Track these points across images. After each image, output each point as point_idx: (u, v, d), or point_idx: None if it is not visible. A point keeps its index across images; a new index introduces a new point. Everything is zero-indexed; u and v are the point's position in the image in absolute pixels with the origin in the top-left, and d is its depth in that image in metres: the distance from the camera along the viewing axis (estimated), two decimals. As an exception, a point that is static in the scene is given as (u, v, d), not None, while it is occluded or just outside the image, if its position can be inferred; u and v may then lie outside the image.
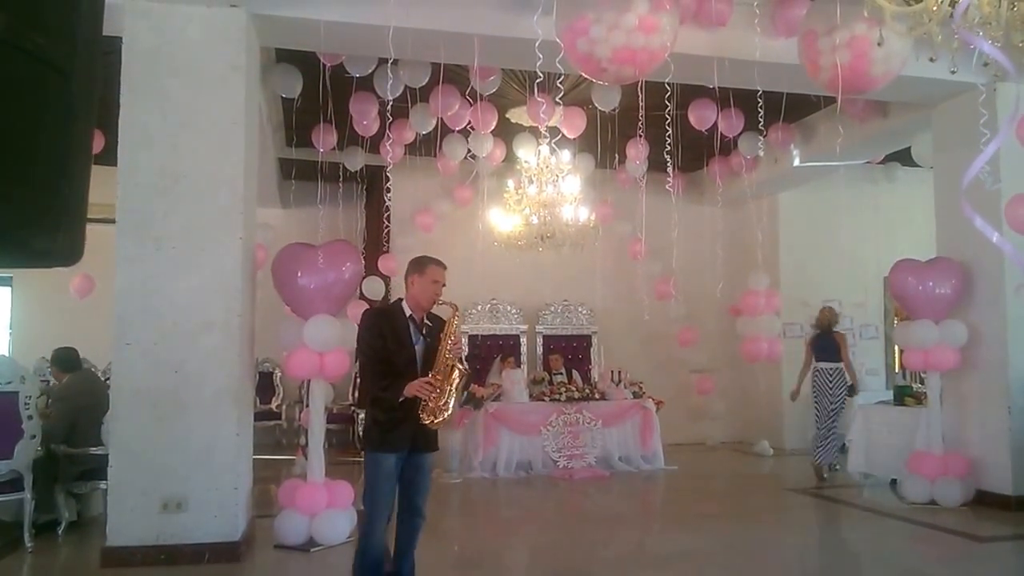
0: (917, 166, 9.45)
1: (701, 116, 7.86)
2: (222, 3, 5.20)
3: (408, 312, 4.01)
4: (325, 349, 5.42)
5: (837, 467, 8.33)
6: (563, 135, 7.91)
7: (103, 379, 6.76)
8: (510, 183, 8.90)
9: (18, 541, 5.29)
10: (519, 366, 9.81)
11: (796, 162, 9.39)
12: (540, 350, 10.60)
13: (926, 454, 6.85)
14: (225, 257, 5.16)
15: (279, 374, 10.40)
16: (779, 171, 9.78)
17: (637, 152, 8.71)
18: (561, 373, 9.74)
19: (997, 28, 3.28)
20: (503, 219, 8.89)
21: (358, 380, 8.81)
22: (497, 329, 10.49)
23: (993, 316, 6.69)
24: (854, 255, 10.21)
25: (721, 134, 8.12)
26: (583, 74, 5.00)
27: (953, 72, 3.61)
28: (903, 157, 9.71)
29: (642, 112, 6.35)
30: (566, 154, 8.62)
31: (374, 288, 9.10)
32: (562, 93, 5.21)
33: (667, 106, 6.11)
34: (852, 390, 8.40)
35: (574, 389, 9.12)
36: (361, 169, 9.26)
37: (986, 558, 5.44)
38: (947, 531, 5.93)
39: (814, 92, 6.60)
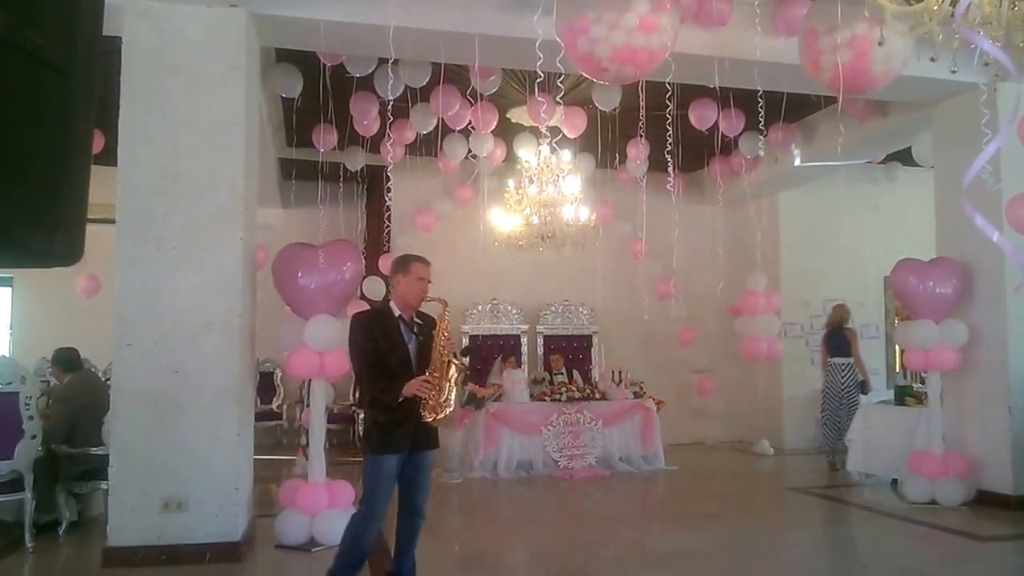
0: (918, 166, 9.44)
1: (701, 116, 7.86)
2: (222, 3, 5.20)
3: (397, 312, 4.00)
4: (326, 349, 5.42)
5: (839, 468, 8.35)
6: (563, 135, 7.92)
7: (104, 379, 6.76)
8: (510, 183, 8.90)
9: (19, 541, 5.29)
10: (520, 366, 9.80)
11: (796, 162, 9.38)
12: (541, 350, 10.60)
13: (926, 454, 6.85)
14: (225, 257, 5.15)
15: (280, 374, 10.40)
16: (779, 171, 9.77)
17: (637, 152, 8.71)
18: (562, 373, 9.74)
19: (998, 28, 3.28)
20: (504, 219, 8.89)
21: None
22: (498, 329, 10.49)
23: (994, 316, 6.69)
24: (854, 255, 10.21)
25: (721, 134, 8.12)
26: (583, 74, 4.99)
27: (954, 72, 3.61)
28: (903, 157, 9.71)
29: (642, 112, 6.35)
30: (566, 154, 8.62)
31: (375, 288, 9.09)
32: (562, 93, 5.21)
33: (667, 106, 6.12)
34: (864, 386, 8.56)
35: (575, 389, 9.12)
36: (361, 169, 9.25)
37: (986, 558, 5.44)
38: (947, 531, 5.93)
39: (815, 92, 6.60)
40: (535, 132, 8.50)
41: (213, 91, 5.20)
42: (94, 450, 5.66)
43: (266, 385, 10.27)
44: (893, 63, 4.73)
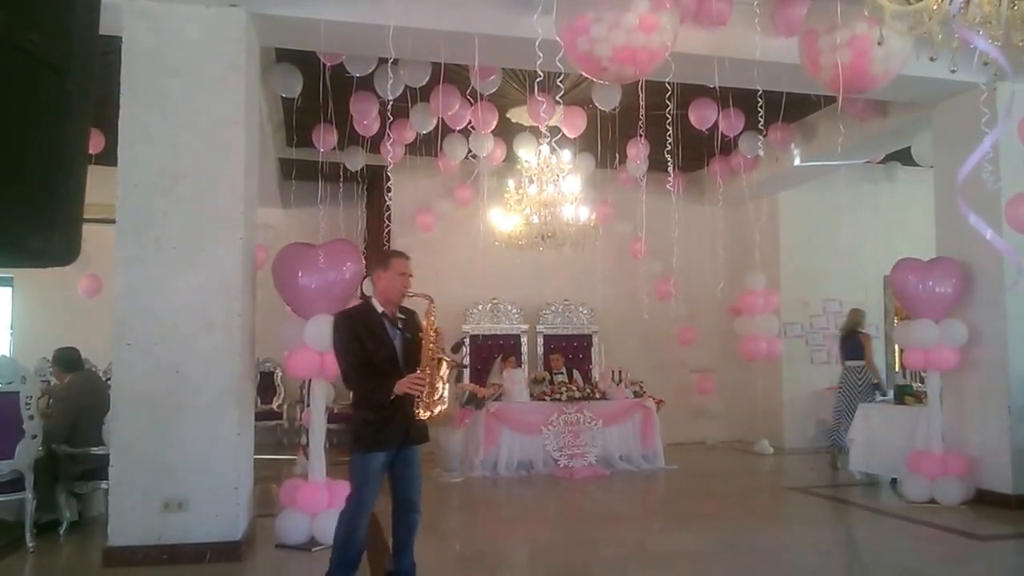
0: (917, 166, 9.44)
1: (701, 116, 7.86)
2: (222, 2, 5.20)
3: (380, 309, 4.00)
4: (326, 349, 5.40)
5: (839, 467, 8.36)
6: (563, 135, 7.92)
7: (104, 379, 6.76)
8: (510, 183, 8.90)
9: (20, 541, 5.30)
10: (520, 366, 9.81)
11: (796, 162, 9.38)
12: (541, 350, 10.60)
13: (926, 453, 6.85)
14: (225, 257, 5.15)
15: (280, 374, 10.40)
16: (779, 171, 9.77)
17: (637, 152, 8.71)
18: (562, 373, 9.75)
19: (997, 27, 3.28)
20: (504, 219, 8.89)
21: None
22: (498, 329, 10.49)
23: (993, 315, 6.69)
24: (854, 255, 10.21)
25: (721, 134, 8.12)
26: (583, 73, 4.99)
27: (953, 71, 3.61)
28: (903, 157, 9.71)
29: (642, 112, 6.35)
30: (566, 154, 8.62)
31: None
32: (562, 92, 5.21)
33: (667, 105, 6.11)
34: (879, 388, 8.64)
35: (575, 389, 9.12)
36: (361, 169, 9.25)
37: (986, 557, 5.44)
38: (947, 530, 5.93)
39: (814, 91, 6.59)
40: (535, 132, 8.50)
41: (213, 91, 5.20)
42: (95, 450, 5.66)
43: (266, 385, 10.27)
44: (893, 63, 4.74)
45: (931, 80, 6.03)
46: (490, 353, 10.10)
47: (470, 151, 8.54)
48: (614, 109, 7.51)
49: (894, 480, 7.45)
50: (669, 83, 5.90)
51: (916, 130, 8.00)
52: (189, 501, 4.94)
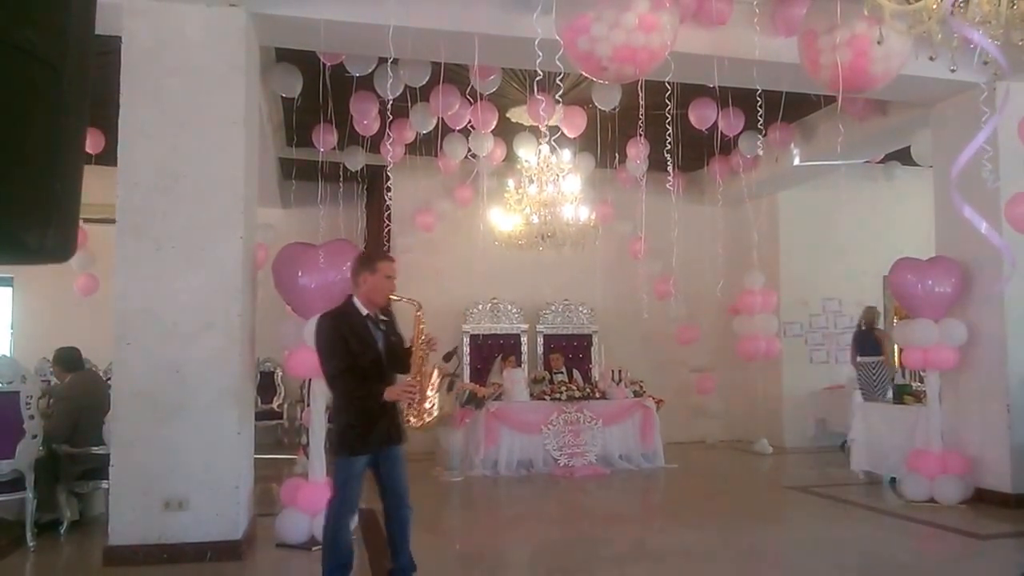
0: (917, 165, 9.43)
1: (701, 115, 7.87)
2: (221, 2, 5.20)
3: (365, 311, 4.00)
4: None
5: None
6: (563, 134, 7.92)
7: (104, 379, 6.76)
8: (510, 182, 8.90)
9: (20, 540, 5.31)
10: (520, 365, 9.82)
11: (796, 161, 9.38)
12: (541, 349, 10.60)
13: (925, 452, 6.85)
14: (225, 257, 5.16)
15: (280, 373, 10.40)
16: (779, 170, 9.78)
17: (637, 151, 8.71)
18: (562, 372, 9.75)
19: (997, 27, 3.28)
20: (503, 218, 8.89)
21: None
22: (498, 328, 10.49)
23: (992, 315, 6.69)
24: (854, 254, 10.21)
25: (721, 133, 8.12)
26: (583, 73, 5.00)
27: (953, 71, 3.62)
28: (903, 156, 9.70)
29: (642, 111, 6.35)
30: (566, 153, 8.62)
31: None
32: (562, 92, 5.21)
33: (667, 105, 6.11)
34: (895, 384, 8.61)
35: (575, 388, 9.13)
36: (361, 169, 9.25)
37: (985, 556, 5.44)
38: (946, 529, 5.93)
39: (814, 91, 6.60)
40: (535, 132, 8.51)
41: (213, 91, 5.20)
42: (95, 449, 5.66)
43: (267, 384, 10.27)
44: (892, 62, 4.74)
45: (931, 79, 6.02)
46: (490, 353, 10.10)
47: (470, 151, 8.54)
48: (614, 109, 7.52)
49: (893, 479, 7.45)
50: (669, 83, 5.90)
51: (915, 129, 8.00)
52: (189, 500, 4.95)
